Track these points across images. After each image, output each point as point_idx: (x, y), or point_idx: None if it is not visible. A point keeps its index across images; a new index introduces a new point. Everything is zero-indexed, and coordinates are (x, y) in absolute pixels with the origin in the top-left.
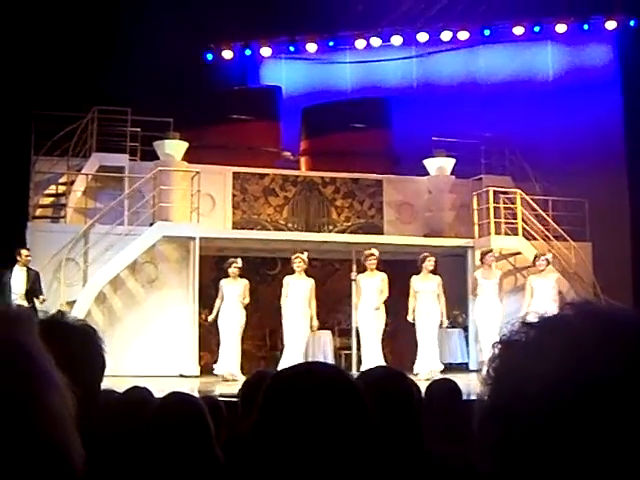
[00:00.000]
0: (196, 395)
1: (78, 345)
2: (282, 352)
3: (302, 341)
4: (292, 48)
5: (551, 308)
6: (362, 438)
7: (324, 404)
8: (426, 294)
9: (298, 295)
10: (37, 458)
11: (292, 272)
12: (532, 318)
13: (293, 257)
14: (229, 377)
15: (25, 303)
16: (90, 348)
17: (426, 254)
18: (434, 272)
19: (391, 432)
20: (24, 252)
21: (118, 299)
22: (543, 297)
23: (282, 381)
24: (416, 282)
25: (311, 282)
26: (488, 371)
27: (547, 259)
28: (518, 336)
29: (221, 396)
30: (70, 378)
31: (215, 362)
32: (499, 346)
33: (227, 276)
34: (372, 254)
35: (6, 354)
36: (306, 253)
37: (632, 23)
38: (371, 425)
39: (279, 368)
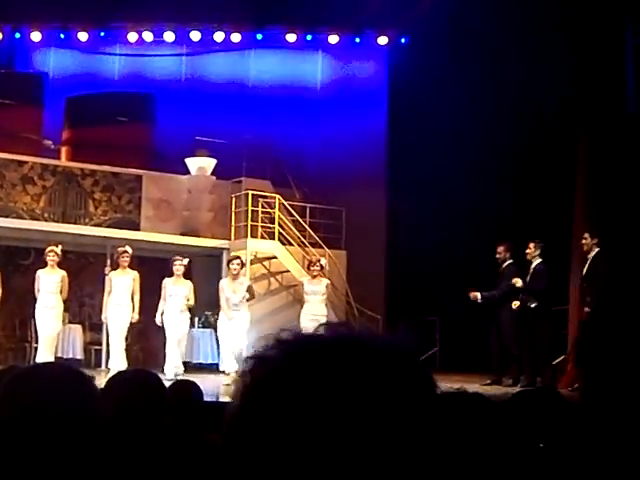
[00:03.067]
0: None
1: None
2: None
3: (53, 335)
4: (62, 35)
5: (322, 312)
6: (92, 436)
7: (52, 404)
8: (176, 298)
9: (49, 289)
10: None
11: (45, 264)
12: (286, 335)
13: (47, 250)
14: None
15: None
16: None
17: (176, 257)
18: (186, 276)
19: (136, 429)
20: None
21: None
22: (315, 302)
23: (14, 381)
24: (168, 285)
25: (62, 274)
26: (238, 385)
27: (321, 264)
28: (272, 352)
29: None
30: None
31: None
32: (251, 361)
33: None
34: (125, 251)
35: None
36: (60, 246)
37: (403, 40)
38: (102, 424)
39: (36, 361)
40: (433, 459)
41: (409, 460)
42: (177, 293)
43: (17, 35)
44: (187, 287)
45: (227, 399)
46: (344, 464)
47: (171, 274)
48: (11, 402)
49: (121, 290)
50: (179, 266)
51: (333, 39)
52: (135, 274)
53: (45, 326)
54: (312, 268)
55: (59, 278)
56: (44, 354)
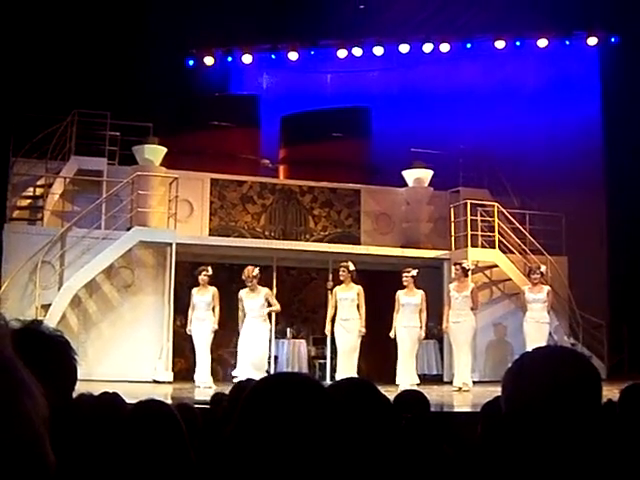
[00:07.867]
0: (169, 401)
1: (51, 355)
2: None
3: (262, 354)
4: (274, 56)
5: (545, 320)
6: (334, 445)
7: (297, 413)
8: (410, 307)
9: (253, 311)
10: (13, 458)
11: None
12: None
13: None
14: (201, 385)
15: None
16: (63, 358)
17: (405, 269)
18: (417, 286)
19: (364, 438)
20: None
21: (93, 303)
22: (537, 309)
23: (258, 392)
24: (401, 296)
25: (265, 292)
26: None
27: (542, 271)
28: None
29: (195, 403)
30: (43, 386)
31: (193, 370)
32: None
33: (198, 284)
34: (341, 266)
35: None
36: (257, 269)
37: (613, 40)
38: (342, 432)
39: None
40: None
41: None
42: (410, 302)
43: (229, 59)
44: (419, 296)
45: (454, 409)
46: None
47: (403, 286)
48: (255, 414)
49: (345, 304)
50: (405, 277)
51: (542, 43)
52: (359, 289)
53: (245, 346)
54: (532, 276)
55: (262, 299)
56: (246, 371)
